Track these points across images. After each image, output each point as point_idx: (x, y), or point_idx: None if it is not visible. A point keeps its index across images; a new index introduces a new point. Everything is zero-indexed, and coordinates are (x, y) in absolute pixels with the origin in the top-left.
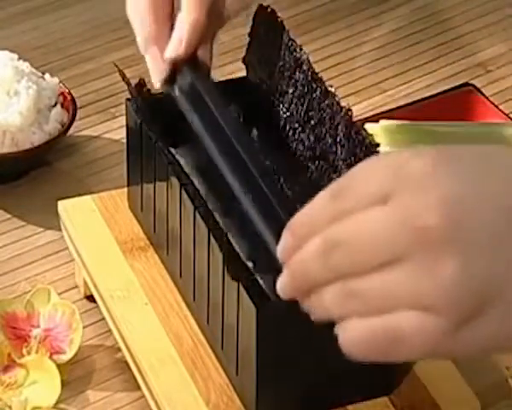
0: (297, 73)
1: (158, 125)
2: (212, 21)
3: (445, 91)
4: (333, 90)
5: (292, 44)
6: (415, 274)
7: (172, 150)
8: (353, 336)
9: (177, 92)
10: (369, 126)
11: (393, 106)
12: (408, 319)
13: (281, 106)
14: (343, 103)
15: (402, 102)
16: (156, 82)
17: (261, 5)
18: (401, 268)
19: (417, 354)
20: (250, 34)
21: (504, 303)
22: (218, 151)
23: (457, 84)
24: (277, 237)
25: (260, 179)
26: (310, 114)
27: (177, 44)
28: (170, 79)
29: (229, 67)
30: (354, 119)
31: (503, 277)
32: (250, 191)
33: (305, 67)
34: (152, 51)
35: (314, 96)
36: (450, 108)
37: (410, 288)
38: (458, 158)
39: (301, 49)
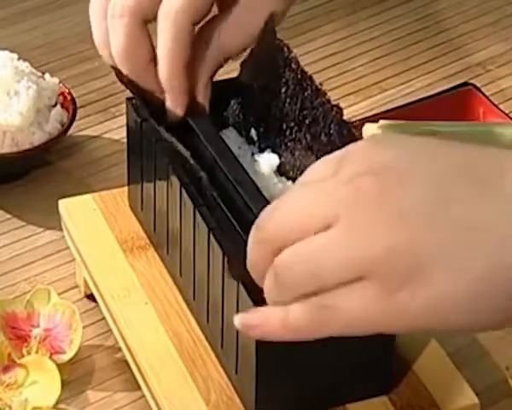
0: (286, 71)
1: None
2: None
3: (444, 91)
4: (323, 88)
5: (279, 43)
6: (347, 240)
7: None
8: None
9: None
10: (368, 126)
11: (393, 105)
12: (339, 292)
13: (276, 105)
14: (335, 102)
15: (402, 102)
16: None
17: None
18: (334, 233)
19: (351, 324)
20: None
21: (439, 272)
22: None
23: (457, 83)
24: None
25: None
26: (304, 112)
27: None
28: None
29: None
30: (354, 118)
31: (438, 245)
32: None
33: (293, 66)
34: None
35: (306, 94)
36: (450, 107)
37: (342, 254)
38: (393, 138)
39: (288, 48)
